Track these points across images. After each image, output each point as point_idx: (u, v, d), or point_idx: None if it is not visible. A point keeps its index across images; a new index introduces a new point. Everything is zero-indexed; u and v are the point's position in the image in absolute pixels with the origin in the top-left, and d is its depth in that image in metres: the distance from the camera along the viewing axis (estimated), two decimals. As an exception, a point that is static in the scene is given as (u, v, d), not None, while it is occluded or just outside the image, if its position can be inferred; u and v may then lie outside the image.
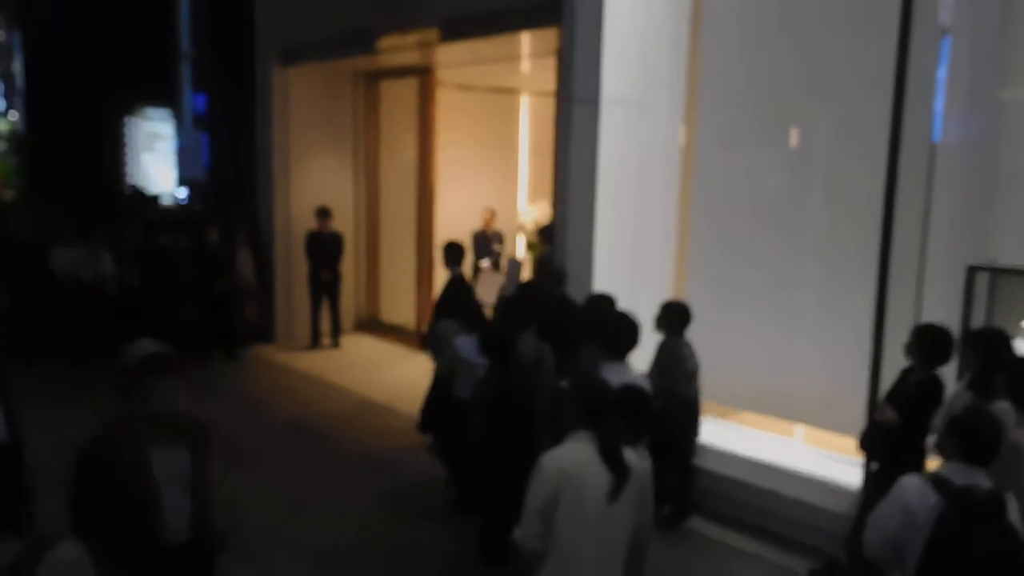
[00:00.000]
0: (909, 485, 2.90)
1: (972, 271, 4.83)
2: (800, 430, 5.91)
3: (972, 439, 2.88)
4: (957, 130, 5.13)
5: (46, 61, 17.90)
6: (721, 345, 5.85)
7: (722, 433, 5.86)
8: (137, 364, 2.94)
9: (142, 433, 2.89)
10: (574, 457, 2.92)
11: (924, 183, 5.08)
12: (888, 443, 4.14)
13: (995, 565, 2.72)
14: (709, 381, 5.37)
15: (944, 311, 4.76)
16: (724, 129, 6.06)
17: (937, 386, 4.06)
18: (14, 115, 22.88)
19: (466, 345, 5.09)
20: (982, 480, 2.85)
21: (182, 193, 15.63)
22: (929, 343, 4.08)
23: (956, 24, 5.01)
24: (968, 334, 4.40)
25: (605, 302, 5.21)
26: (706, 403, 5.48)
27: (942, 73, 5.10)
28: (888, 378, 4.49)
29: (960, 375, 4.23)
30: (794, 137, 5.79)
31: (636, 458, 3.02)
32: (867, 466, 4.52)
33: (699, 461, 5.38)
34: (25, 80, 20.66)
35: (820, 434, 5.69)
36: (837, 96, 5.47)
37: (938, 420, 3.95)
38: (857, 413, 4.96)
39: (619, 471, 2.89)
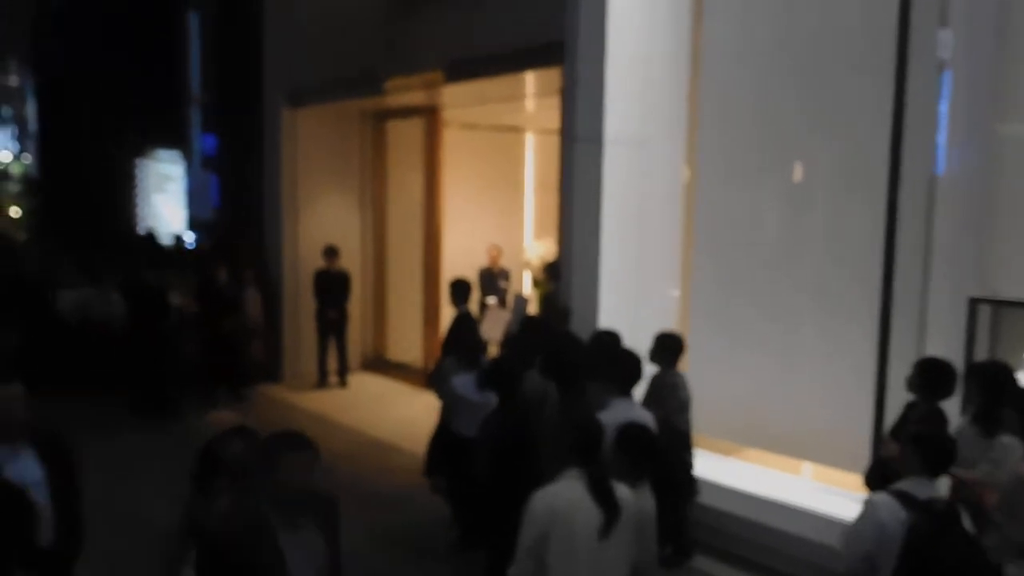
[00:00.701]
0: (879, 503, 3.10)
1: (974, 304, 4.84)
2: (808, 467, 5.88)
3: (932, 453, 3.12)
4: (958, 163, 5.18)
5: (58, 105, 18.21)
6: (724, 381, 5.85)
7: (727, 470, 5.83)
8: (275, 442, 2.67)
9: (274, 520, 2.60)
10: (564, 495, 2.91)
11: (924, 216, 5.12)
12: (893, 479, 4.11)
13: (962, 569, 2.94)
14: (712, 417, 5.37)
15: (946, 344, 4.77)
16: (725, 166, 6.12)
17: (941, 420, 4.05)
18: (27, 158, 23.23)
19: (463, 383, 5.11)
20: (936, 491, 3.11)
21: (189, 237, 15.77)
22: (931, 377, 4.08)
23: (955, 58, 5.09)
24: (971, 367, 4.40)
25: (610, 338, 5.23)
26: (709, 439, 5.47)
27: (943, 107, 5.17)
28: (892, 413, 4.48)
29: (964, 409, 4.21)
30: (795, 172, 5.85)
31: (630, 495, 3.01)
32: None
33: (703, 497, 5.34)
34: (38, 124, 20.99)
35: (827, 471, 5.66)
36: (837, 131, 5.53)
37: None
38: (861, 449, 4.94)
39: (609, 508, 2.88)
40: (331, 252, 9.54)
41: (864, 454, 4.84)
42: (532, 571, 2.91)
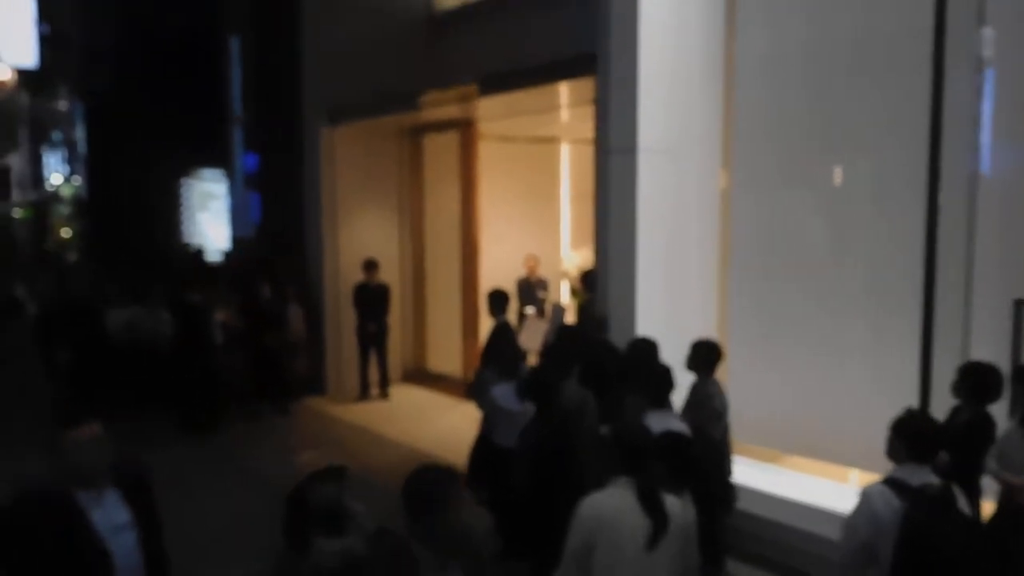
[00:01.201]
0: (873, 493, 3.17)
1: (1019, 305, 4.74)
2: (855, 475, 5.80)
3: (918, 440, 3.19)
4: (1001, 162, 5.10)
5: (106, 128, 18.74)
6: (764, 388, 5.80)
7: (768, 477, 5.78)
8: (438, 478, 2.69)
9: (434, 563, 2.61)
10: (612, 504, 2.93)
11: (967, 218, 5.04)
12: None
13: (959, 551, 3.00)
14: (752, 424, 5.32)
15: (992, 347, 4.68)
16: (762, 172, 6.09)
17: (988, 424, 3.99)
18: (77, 180, 23.92)
19: (503, 393, 5.14)
20: (930, 476, 3.15)
21: (222, 247, 16.06)
22: (977, 381, 4.02)
23: (998, 57, 5.01)
24: (1017, 370, 4.32)
25: (647, 346, 5.23)
26: (751, 447, 5.42)
27: (987, 106, 5.09)
28: (938, 418, 4.41)
29: (1012, 412, 4.14)
30: (834, 177, 5.79)
31: (679, 506, 3.02)
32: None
33: (750, 506, 5.30)
34: (87, 147, 21.60)
35: (874, 478, 5.57)
36: (876, 134, 5.47)
37: (991, 459, 3.87)
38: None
39: (658, 518, 2.89)
40: (370, 265, 9.67)
41: (939, 485, 4.74)
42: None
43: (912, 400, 4.88)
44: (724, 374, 5.91)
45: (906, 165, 5.24)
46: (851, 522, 3.25)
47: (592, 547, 2.90)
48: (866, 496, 3.20)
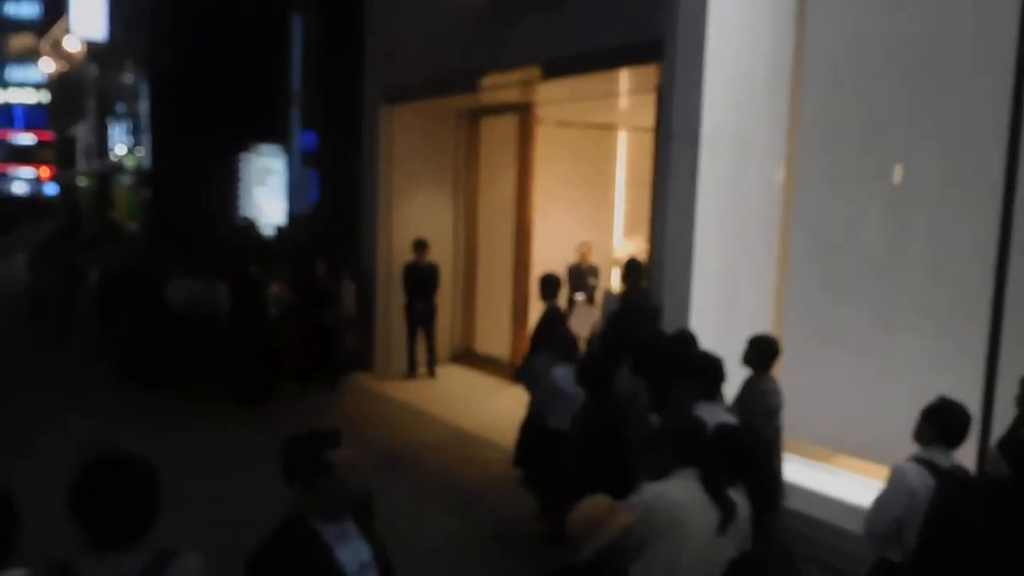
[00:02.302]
0: (910, 472, 3.30)
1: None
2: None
3: (950, 425, 3.38)
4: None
5: (169, 102, 19.13)
6: (819, 387, 5.70)
7: (819, 476, 5.69)
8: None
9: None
10: (678, 493, 2.93)
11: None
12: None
13: (987, 529, 3.08)
14: (805, 422, 5.24)
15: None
16: (827, 168, 5.96)
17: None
18: (140, 152, 24.50)
19: (563, 375, 5.13)
20: (954, 460, 3.36)
21: (278, 222, 16.30)
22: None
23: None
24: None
25: (688, 339, 5.18)
26: (802, 445, 5.34)
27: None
28: (999, 428, 4.29)
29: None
30: (900, 177, 5.65)
31: (739, 497, 3.01)
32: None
33: (793, 503, 5.23)
34: (150, 119, 22.10)
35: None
36: (946, 136, 5.31)
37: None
38: (966, 463, 4.73)
39: (726, 505, 2.90)
40: (420, 245, 9.72)
41: (968, 468, 4.64)
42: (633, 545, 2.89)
43: (974, 408, 4.74)
44: (777, 370, 5.83)
45: (977, 168, 5.07)
46: (884, 498, 3.34)
47: (651, 535, 2.89)
48: (901, 473, 3.32)
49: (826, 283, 5.93)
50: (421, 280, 9.80)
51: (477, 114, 10.39)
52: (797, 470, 5.48)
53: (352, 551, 2.52)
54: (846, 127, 5.80)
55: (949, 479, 3.25)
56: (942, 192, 5.36)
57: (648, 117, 6.66)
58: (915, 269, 5.50)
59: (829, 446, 5.93)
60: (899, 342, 5.52)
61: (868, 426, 5.57)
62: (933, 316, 5.36)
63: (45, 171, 46.29)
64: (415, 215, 10.26)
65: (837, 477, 5.79)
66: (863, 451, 5.71)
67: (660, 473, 3.01)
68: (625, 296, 7.48)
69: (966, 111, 5.18)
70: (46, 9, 42.54)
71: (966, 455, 4.78)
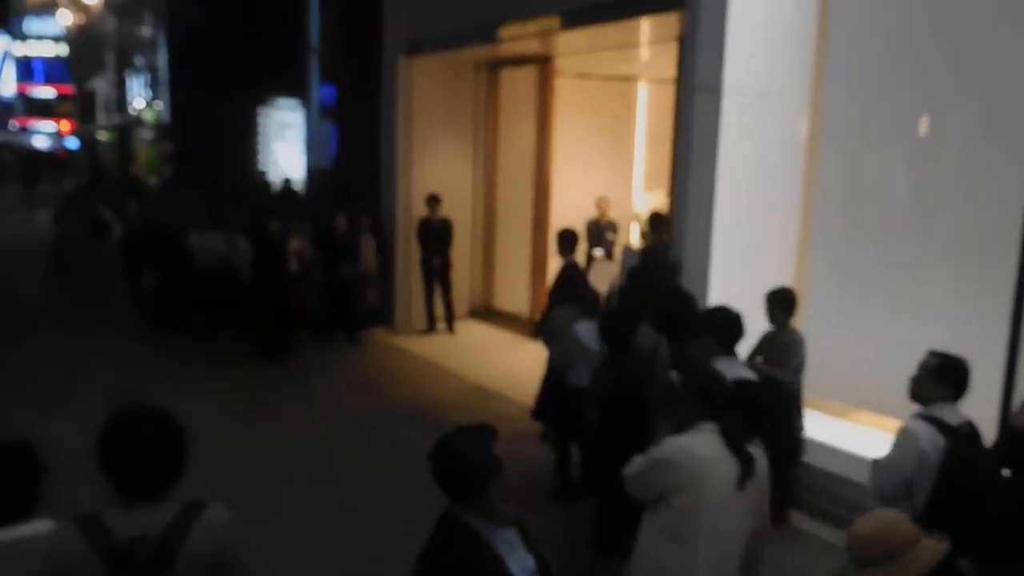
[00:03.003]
0: (920, 431, 3.24)
1: None
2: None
3: (958, 380, 3.33)
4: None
5: (187, 55, 19.03)
6: (839, 343, 5.66)
7: (838, 433, 5.68)
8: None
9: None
10: (698, 447, 2.92)
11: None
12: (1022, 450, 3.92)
13: (993, 485, 3.23)
14: (826, 379, 5.22)
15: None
16: (854, 118, 5.84)
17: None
18: (159, 105, 24.46)
19: (586, 331, 5.12)
20: (961, 415, 3.32)
21: (297, 176, 16.26)
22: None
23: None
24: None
25: (691, 301, 5.15)
26: (821, 401, 5.32)
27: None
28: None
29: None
30: (929, 126, 5.51)
31: (758, 452, 3.01)
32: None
33: (812, 459, 5.23)
34: (169, 73, 22.01)
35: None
36: (977, 82, 5.17)
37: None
38: (988, 418, 4.70)
39: (746, 459, 2.90)
40: (433, 200, 9.67)
41: (991, 424, 4.61)
42: (650, 495, 3.00)
43: (999, 362, 4.70)
44: (800, 324, 5.79)
45: (1006, 116, 4.94)
46: (894, 458, 3.30)
47: (671, 489, 2.90)
48: (911, 433, 3.26)
49: (852, 235, 5.84)
50: (435, 235, 9.77)
51: (496, 66, 10.24)
52: (816, 426, 5.47)
53: (519, 560, 2.32)
54: (874, 77, 5.66)
55: (960, 438, 3.22)
56: (971, 141, 5.25)
57: (669, 68, 6.52)
58: (944, 220, 5.42)
59: (852, 402, 5.91)
60: (920, 299, 5.45)
61: (887, 381, 5.53)
62: (961, 267, 5.28)
63: (65, 125, 46.37)
64: (434, 169, 10.19)
65: (855, 434, 5.78)
66: (882, 407, 5.68)
67: (680, 428, 3.01)
68: (646, 251, 7.43)
69: (996, 58, 5.04)
70: (63, -39, 42.18)
71: (988, 407, 4.76)
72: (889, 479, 3.31)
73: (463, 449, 2.32)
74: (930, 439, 3.20)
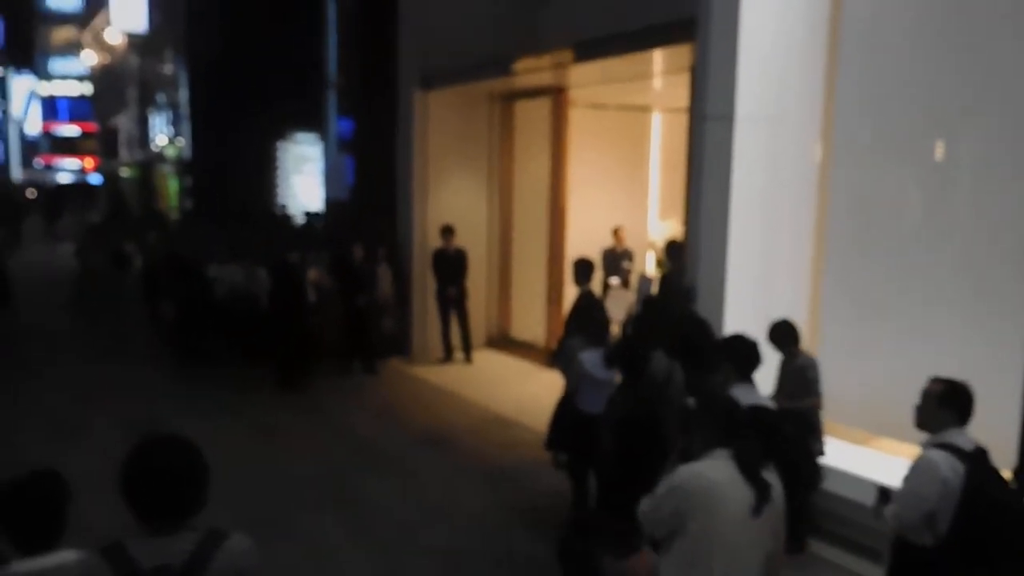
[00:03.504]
0: (940, 461, 3.21)
1: None
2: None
3: (965, 405, 3.31)
4: None
5: (208, 91, 19.42)
6: (855, 369, 5.63)
7: (857, 459, 5.62)
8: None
9: None
10: (713, 474, 2.91)
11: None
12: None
13: (1016, 508, 3.20)
14: (843, 405, 5.18)
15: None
16: (866, 142, 5.86)
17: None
18: (181, 141, 24.90)
19: (590, 360, 5.15)
20: (972, 439, 3.29)
21: (315, 208, 16.46)
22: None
23: None
24: None
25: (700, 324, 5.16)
26: (840, 427, 5.28)
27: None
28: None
29: None
30: (942, 148, 5.53)
31: (773, 478, 3.00)
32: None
33: (832, 485, 5.18)
34: (190, 109, 22.44)
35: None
36: (990, 103, 5.19)
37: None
38: (1008, 443, 4.65)
39: (761, 486, 2.88)
40: (447, 231, 9.75)
41: (1011, 448, 4.56)
42: (664, 533, 2.95)
43: (1016, 385, 4.65)
44: (815, 351, 5.77)
45: (1018, 140, 4.94)
46: (918, 490, 3.25)
47: (685, 516, 2.89)
48: (932, 463, 3.23)
49: (866, 259, 5.83)
50: (449, 265, 9.84)
51: (510, 98, 10.37)
52: (835, 452, 5.43)
53: None
54: (886, 99, 5.69)
55: (978, 463, 3.21)
56: (984, 162, 5.25)
57: (682, 97, 6.59)
58: (957, 243, 5.40)
59: (869, 429, 5.86)
60: (936, 323, 5.42)
61: (905, 407, 5.48)
62: (971, 297, 5.26)
63: (90, 162, 47.24)
64: (450, 199, 10.29)
65: (875, 459, 5.73)
66: (900, 432, 5.62)
67: (689, 456, 3.01)
68: (664, 278, 7.45)
69: (1009, 78, 5.05)
70: (87, 2, 43.28)
71: (1006, 429, 4.71)
72: (912, 511, 3.26)
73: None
74: (950, 467, 3.18)
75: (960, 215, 5.41)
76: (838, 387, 5.46)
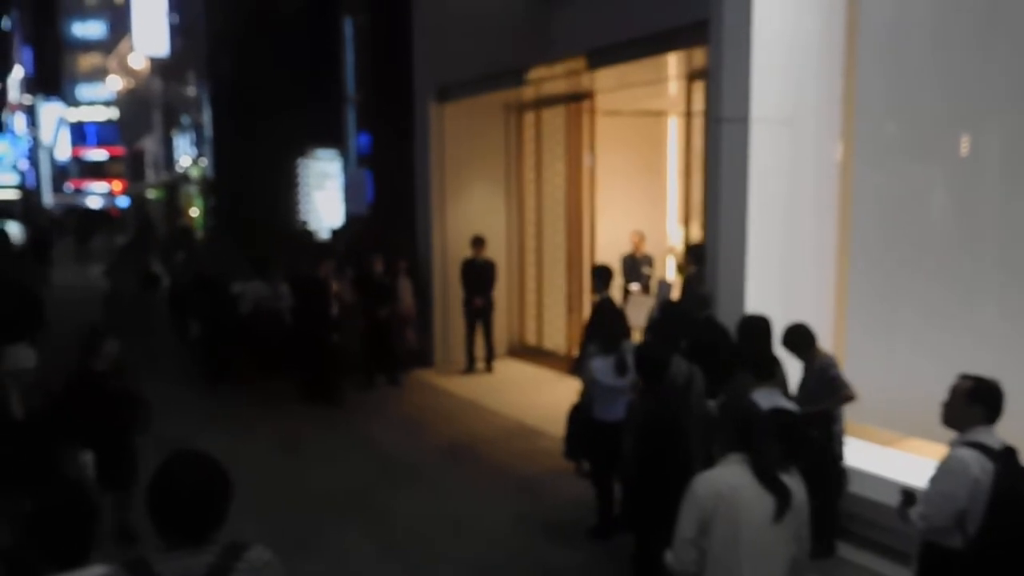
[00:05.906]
0: (969, 459, 3.17)
1: None
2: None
3: (994, 403, 3.25)
4: None
5: (230, 112, 19.66)
6: (883, 370, 5.56)
7: (885, 461, 5.54)
8: None
9: None
10: (730, 481, 2.88)
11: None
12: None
13: None
14: (871, 407, 5.11)
15: None
16: (884, 145, 5.81)
17: None
18: (204, 162, 25.23)
19: (600, 367, 5.13)
20: (999, 437, 3.24)
21: (337, 224, 16.60)
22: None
23: None
24: None
25: (760, 323, 5.10)
26: (867, 429, 5.21)
27: None
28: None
29: None
30: (962, 150, 5.46)
31: (794, 483, 2.96)
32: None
33: (859, 488, 5.11)
34: (212, 129, 22.73)
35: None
36: (1008, 105, 5.12)
37: None
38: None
39: (780, 492, 2.84)
40: (478, 242, 9.79)
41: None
42: (695, 559, 2.89)
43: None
44: (842, 354, 5.71)
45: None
46: (947, 490, 3.20)
47: (708, 525, 2.86)
48: (962, 462, 3.18)
49: (893, 258, 5.76)
50: (478, 276, 9.87)
51: (526, 107, 10.40)
52: (862, 455, 5.36)
53: None
54: (903, 100, 5.63)
55: (1008, 462, 3.17)
56: (1013, 155, 5.17)
57: (699, 101, 6.57)
58: (987, 238, 5.32)
59: (900, 430, 5.77)
60: (965, 323, 5.34)
61: (935, 408, 5.40)
62: (1000, 296, 5.17)
63: (117, 185, 48.06)
64: (468, 210, 10.32)
65: (903, 461, 5.64)
66: (931, 433, 5.54)
67: (715, 459, 2.98)
68: (685, 282, 7.41)
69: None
70: (112, 29, 44.14)
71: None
72: (942, 511, 3.20)
73: None
74: (979, 465, 3.14)
75: (988, 212, 5.33)
76: (867, 389, 5.38)
